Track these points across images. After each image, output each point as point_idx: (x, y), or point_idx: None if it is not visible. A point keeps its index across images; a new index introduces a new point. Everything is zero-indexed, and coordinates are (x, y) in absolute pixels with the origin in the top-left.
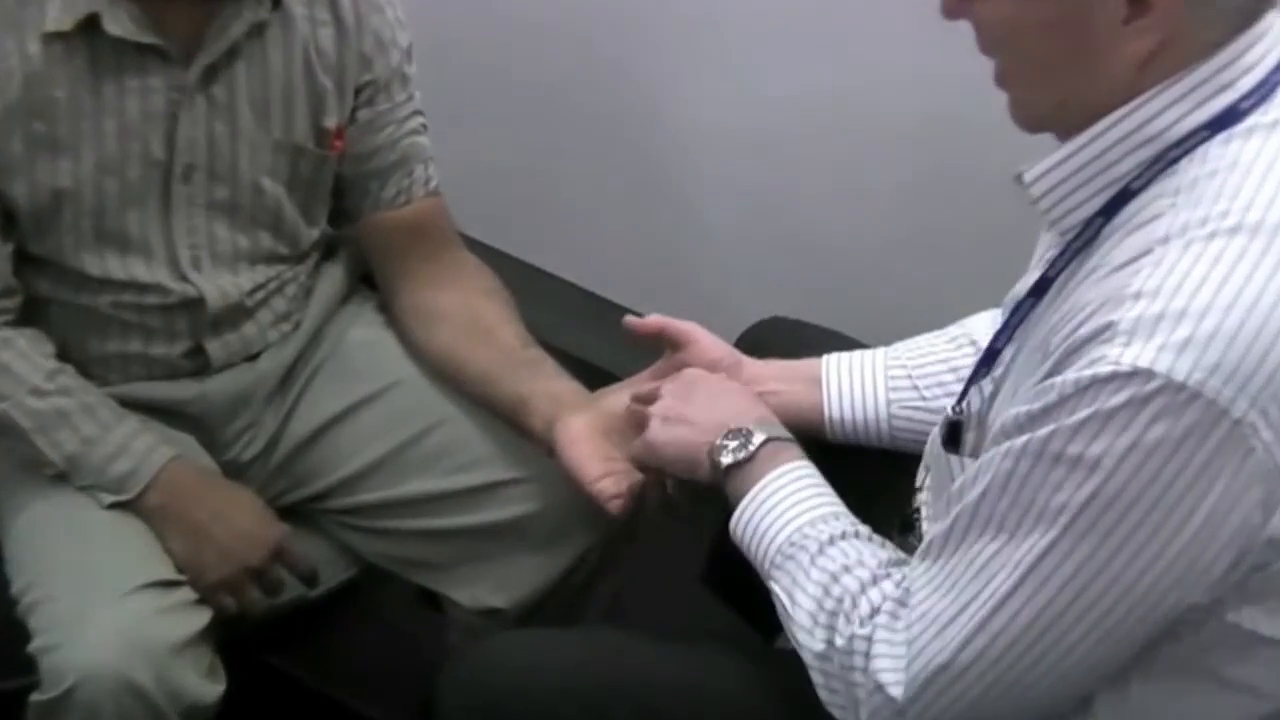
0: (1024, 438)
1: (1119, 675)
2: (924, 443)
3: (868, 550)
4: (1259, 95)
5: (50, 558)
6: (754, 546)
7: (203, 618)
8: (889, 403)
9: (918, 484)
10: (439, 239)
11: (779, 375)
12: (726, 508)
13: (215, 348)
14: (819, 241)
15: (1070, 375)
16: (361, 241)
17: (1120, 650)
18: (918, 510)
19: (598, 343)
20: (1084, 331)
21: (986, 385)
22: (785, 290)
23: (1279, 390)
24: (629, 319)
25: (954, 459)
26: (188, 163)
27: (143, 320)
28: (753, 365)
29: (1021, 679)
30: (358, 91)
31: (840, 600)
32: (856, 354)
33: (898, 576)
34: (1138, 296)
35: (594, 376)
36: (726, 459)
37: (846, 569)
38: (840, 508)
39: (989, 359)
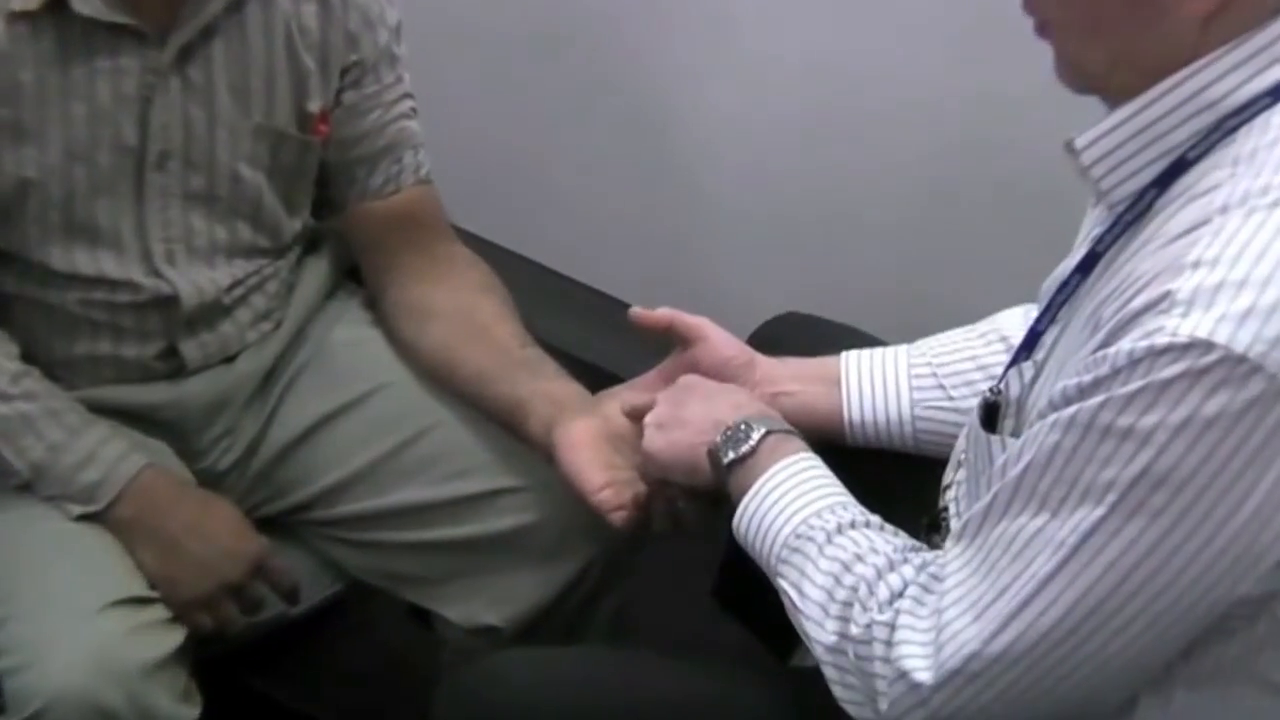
0: (1072, 409)
1: (1163, 679)
2: (949, 447)
3: (880, 538)
4: None
5: (14, 574)
6: (758, 543)
7: (177, 637)
8: (913, 403)
9: (945, 482)
10: (430, 230)
11: (795, 375)
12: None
13: (190, 348)
14: (836, 233)
15: (1124, 346)
16: (347, 233)
17: (1165, 643)
18: (945, 510)
19: (600, 342)
20: (1138, 302)
21: (1027, 369)
22: (801, 285)
23: None
24: (635, 310)
25: (994, 439)
26: (162, 149)
27: (113, 319)
28: (767, 364)
29: (1058, 668)
30: (343, 72)
31: (854, 589)
32: (877, 351)
33: (917, 561)
34: (1196, 265)
35: (596, 378)
36: (726, 456)
37: (859, 557)
38: (848, 498)
39: (1030, 342)
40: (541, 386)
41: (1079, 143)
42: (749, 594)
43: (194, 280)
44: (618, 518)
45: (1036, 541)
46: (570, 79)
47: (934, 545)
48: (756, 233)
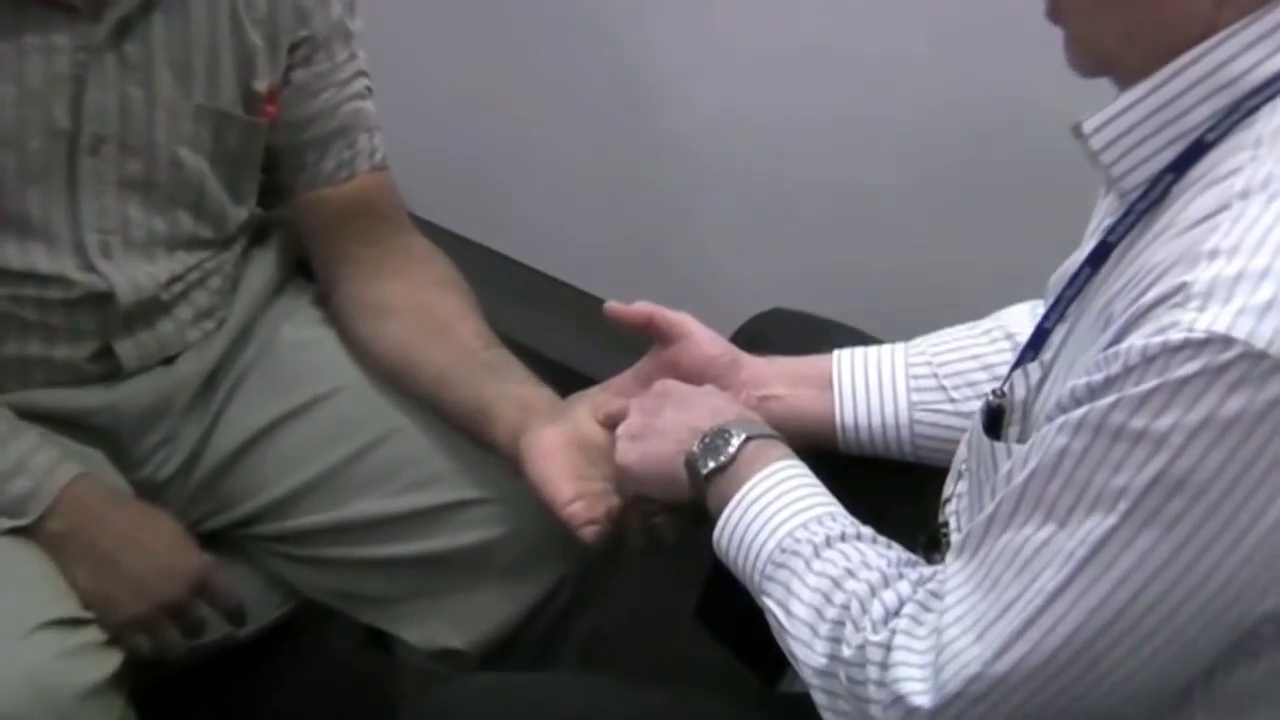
0: (1081, 410)
1: (1183, 703)
2: (949, 455)
3: (873, 551)
4: None
5: None
6: (741, 559)
7: (113, 661)
8: (911, 406)
9: (946, 495)
10: (386, 220)
11: (783, 376)
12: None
13: (127, 349)
14: (827, 222)
15: (1137, 342)
16: (297, 223)
17: (1184, 663)
18: (945, 525)
19: (571, 341)
20: (1152, 295)
21: (1033, 369)
22: (789, 278)
23: None
24: (611, 305)
25: (998, 446)
26: (96, 133)
27: (43, 318)
28: (753, 364)
29: (1067, 691)
30: (292, 49)
31: (846, 607)
32: (872, 350)
33: (914, 576)
34: (1214, 255)
35: (567, 380)
36: (704, 467)
37: (850, 572)
38: (837, 508)
39: (1036, 340)
40: (507, 390)
41: (1088, 126)
42: (733, 614)
43: (131, 275)
44: (590, 533)
45: (1043, 554)
46: (542, 58)
47: (933, 564)
48: (741, 223)
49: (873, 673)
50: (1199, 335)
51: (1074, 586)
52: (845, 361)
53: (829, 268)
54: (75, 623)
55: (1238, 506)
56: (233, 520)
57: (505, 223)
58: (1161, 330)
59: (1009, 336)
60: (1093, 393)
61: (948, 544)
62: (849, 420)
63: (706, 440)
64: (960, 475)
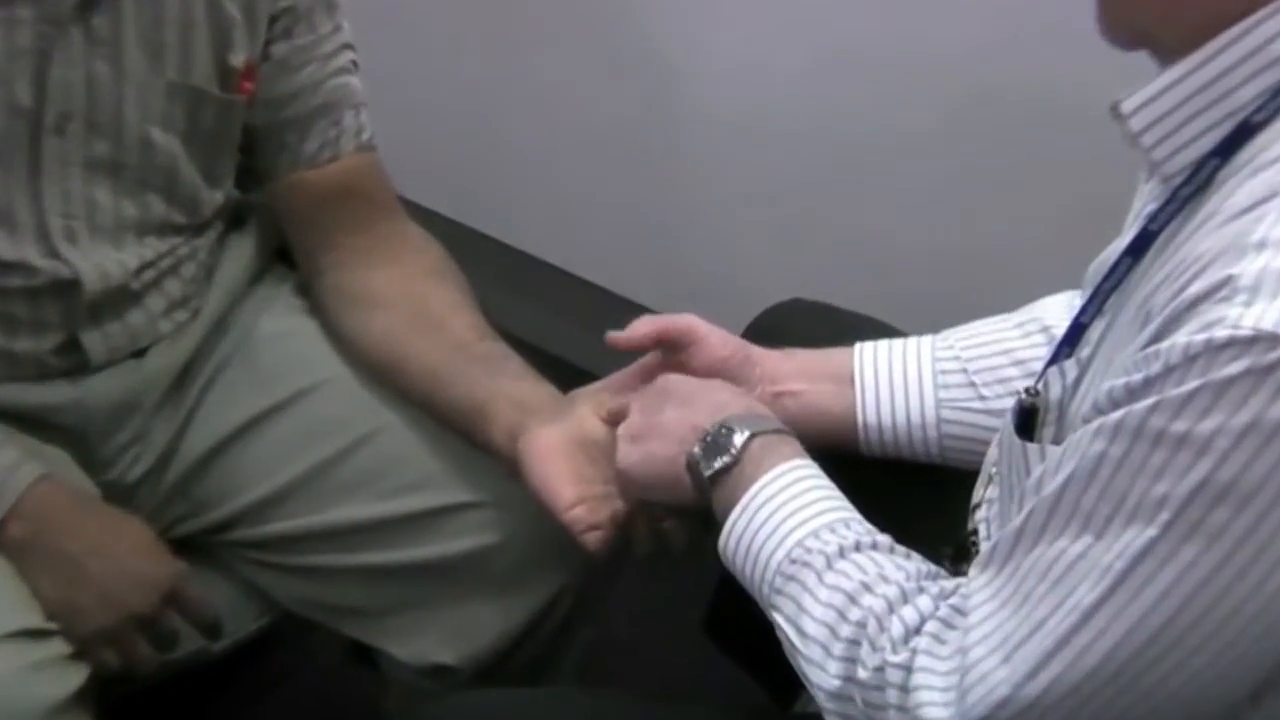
0: (1119, 414)
1: None
2: (979, 458)
3: (890, 563)
4: None
5: None
6: (749, 570)
7: (79, 676)
8: (938, 404)
9: (975, 500)
10: (374, 204)
11: (801, 371)
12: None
13: (94, 341)
14: (849, 206)
15: (1179, 340)
16: (277, 208)
17: (1228, 684)
18: (974, 533)
19: (573, 334)
20: (1195, 288)
21: (1069, 367)
22: (808, 266)
23: None
24: (612, 335)
25: (1031, 449)
26: (61, 111)
27: (4, 308)
28: (767, 359)
29: (1101, 715)
30: (272, 20)
31: (862, 625)
32: (897, 343)
33: (935, 590)
34: (1262, 246)
35: (568, 376)
36: (707, 469)
37: (866, 586)
38: (852, 513)
39: (1073, 335)
40: (504, 386)
41: (1126, 106)
42: (745, 628)
43: (97, 262)
44: (593, 539)
45: (1078, 568)
46: (542, 27)
47: (960, 575)
48: (757, 207)
49: (892, 696)
50: (1245, 332)
51: (1111, 603)
52: (868, 356)
53: (851, 256)
54: (38, 634)
55: None
56: (207, 525)
57: (503, 207)
58: (1205, 327)
59: (1044, 330)
60: (1131, 394)
61: (977, 553)
62: (871, 419)
63: (709, 439)
64: (991, 479)
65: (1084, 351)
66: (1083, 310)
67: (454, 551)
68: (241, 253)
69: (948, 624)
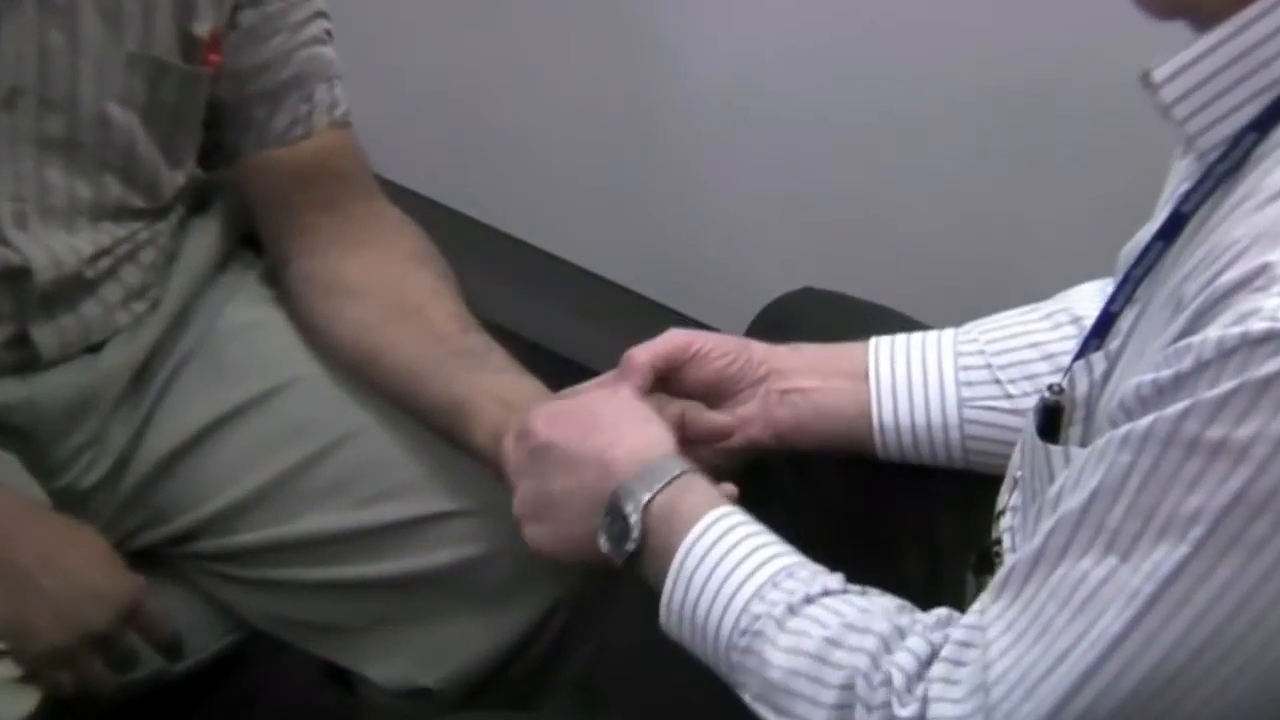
0: (1148, 419)
1: None
2: (1005, 460)
3: (850, 607)
4: None
5: None
6: (699, 644)
7: (30, 700)
8: (961, 402)
9: (1000, 507)
10: (349, 185)
11: (811, 367)
12: None
13: (45, 335)
14: (863, 188)
15: (1212, 334)
16: (244, 189)
17: (1268, 712)
18: (999, 542)
19: (566, 325)
20: (1230, 276)
21: (1097, 361)
22: (819, 252)
23: None
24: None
25: (1054, 450)
26: (11, 85)
27: None
28: (775, 355)
29: None
30: None
31: (847, 686)
32: (915, 336)
33: (918, 628)
34: None
35: (560, 371)
36: (618, 557)
37: (833, 642)
38: (789, 557)
39: (1101, 326)
40: (489, 382)
41: (1158, 74)
42: None
43: (49, 248)
44: None
45: (1103, 592)
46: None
47: (984, 587)
48: (765, 189)
49: None
50: None
51: (1141, 629)
52: (884, 350)
53: (867, 241)
54: None
55: None
56: (168, 536)
57: (488, 188)
58: (1240, 319)
59: (1075, 321)
60: (1160, 393)
61: (1000, 564)
62: (888, 419)
63: (607, 520)
64: (1016, 484)
65: (1113, 343)
66: (1112, 298)
67: (436, 564)
68: (205, 238)
69: (956, 662)
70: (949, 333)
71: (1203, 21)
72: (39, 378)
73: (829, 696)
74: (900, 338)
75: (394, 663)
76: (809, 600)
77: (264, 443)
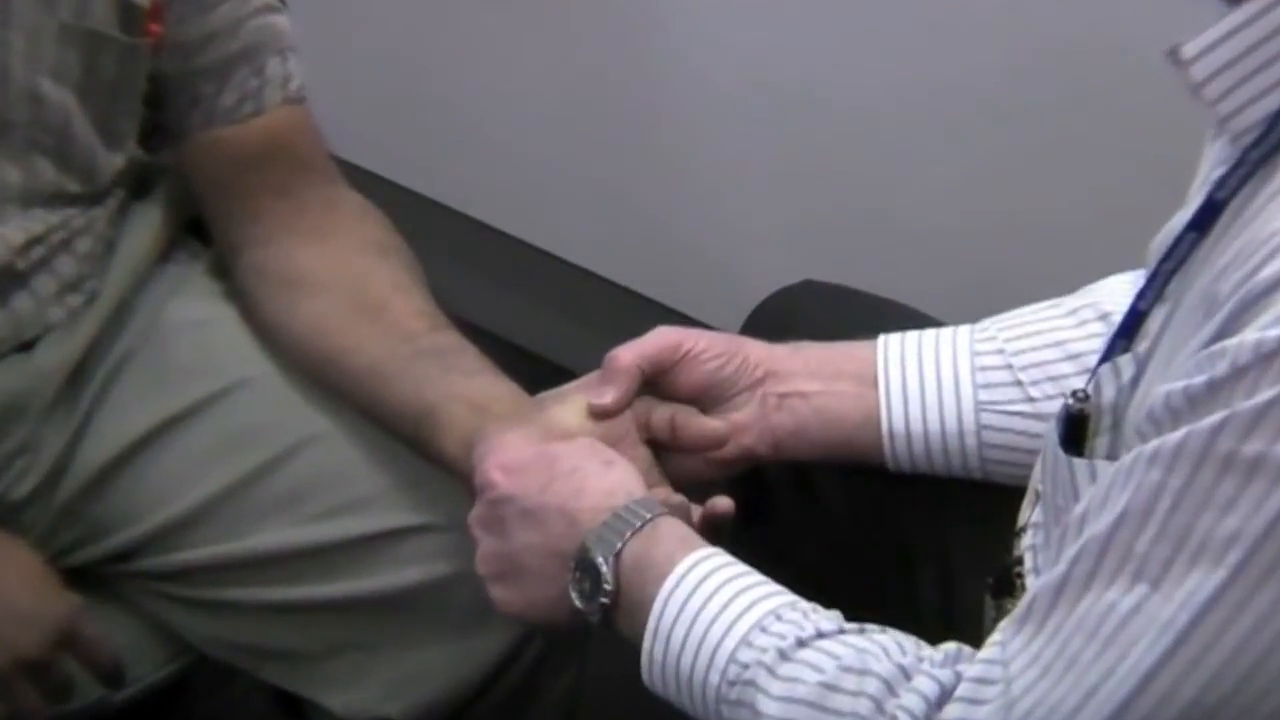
0: (1180, 432)
1: None
2: (1026, 471)
3: (846, 648)
4: None
5: None
6: (685, 700)
7: None
8: (978, 407)
9: (1021, 523)
10: (304, 167)
11: (813, 369)
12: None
13: None
14: (868, 172)
15: (1249, 336)
16: (189, 172)
17: None
18: (1020, 561)
19: (544, 322)
20: (1270, 272)
21: (1125, 364)
22: (821, 242)
23: None
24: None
25: (1078, 464)
26: None
27: None
28: (773, 356)
29: None
30: None
31: None
32: (928, 333)
33: (925, 665)
34: None
35: (538, 372)
36: (594, 614)
37: (829, 686)
38: (774, 598)
39: (1129, 326)
40: (458, 385)
41: (1188, 51)
42: None
43: None
44: None
45: (1134, 624)
46: None
47: (1004, 611)
48: (762, 172)
49: None
50: None
51: (1175, 663)
52: (893, 349)
53: (873, 229)
54: None
55: None
56: (107, 552)
57: (458, 170)
58: None
59: (1103, 318)
60: (1193, 403)
61: (1022, 586)
62: (899, 425)
63: (576, 575)
64: (1038, 498)
65: (1142, 345)
66: (1140, 295)
67: (401, 584)
68: (146, 226)
69: (973, 700)
70: (965, 330)
71: None
72: None
73: None
74: (911, 335)
75: (355, 692)
76: (801, 644)
77: (212, 451)
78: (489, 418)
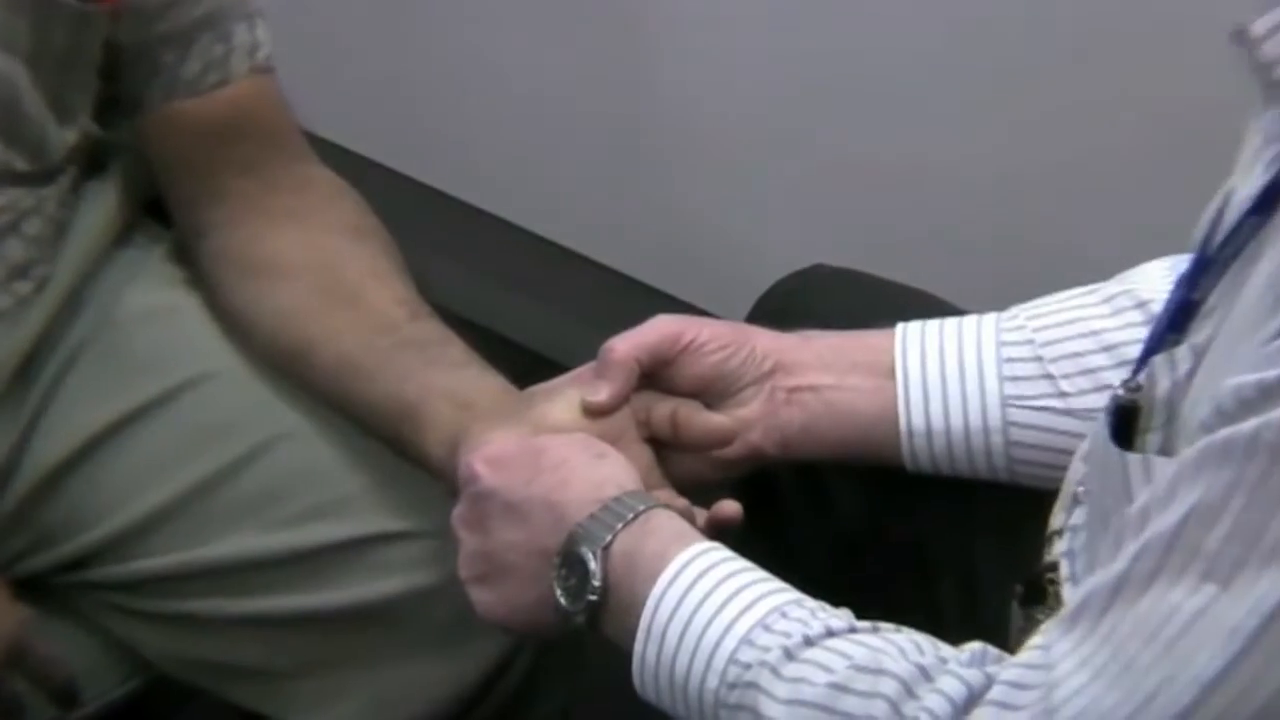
0: (1251, 424)
1: None
2: (1058, 472)
3: (859, 647)
4: None
5: None
6: (679, 705)
7: None
8: (1004, 401)
9: (1054, 527)
10: (273, 142)
11: (824, 360)
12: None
13: None
14: (884, 147)
15: None
16: (148, 148)
17: None
18: (1054, 568)
19: (535, 312)
20: None
21: (1181, 355)
22: (834, 224)
23: None
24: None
25: (1132, 459)
26: None
27: None
28: (781, 346)
29: None
30: None
31: None
32: (950, 322)
33: (951, 665)
34: None
35: (528, 366)
36: (579, 614)
37: (840, 687)
38: (779, 593)
39: (1182, 315)
40: (443, 381)
41: (1258, 28)
42: None
43: None
44: None
45: (1199, 626)
46: None
47: (1033, 622)
48: (764, 149)
49: None
50: None
51: (1242, 671)
52: (912, 339)
53: (889, 209)
54: None
55: None
56: (59, 561)
57: (441, 146)
58: None
59: (1140, 305)
60: (1266, 395)
61: (1055, 596)
62: (918, 422)
63: (563, 573)
64: (1076, 501)
65: (1198, 336)
66: (1192, 284)
67: (380, 595)
68: (101, 206)
69: (1007, 705)
70: (990, 318)
71: None
72: None
73: None
74: (931, 324)
75: (331, 712)
76: (809, 642)
77: (172, 450)
78: (474, 415)
